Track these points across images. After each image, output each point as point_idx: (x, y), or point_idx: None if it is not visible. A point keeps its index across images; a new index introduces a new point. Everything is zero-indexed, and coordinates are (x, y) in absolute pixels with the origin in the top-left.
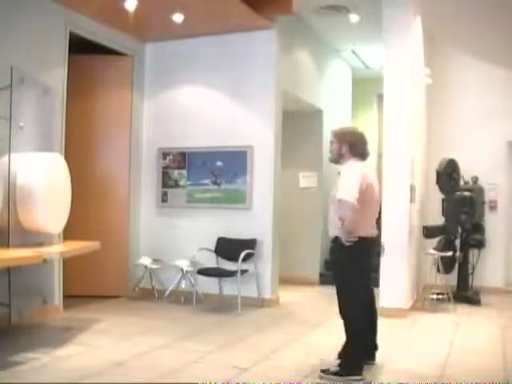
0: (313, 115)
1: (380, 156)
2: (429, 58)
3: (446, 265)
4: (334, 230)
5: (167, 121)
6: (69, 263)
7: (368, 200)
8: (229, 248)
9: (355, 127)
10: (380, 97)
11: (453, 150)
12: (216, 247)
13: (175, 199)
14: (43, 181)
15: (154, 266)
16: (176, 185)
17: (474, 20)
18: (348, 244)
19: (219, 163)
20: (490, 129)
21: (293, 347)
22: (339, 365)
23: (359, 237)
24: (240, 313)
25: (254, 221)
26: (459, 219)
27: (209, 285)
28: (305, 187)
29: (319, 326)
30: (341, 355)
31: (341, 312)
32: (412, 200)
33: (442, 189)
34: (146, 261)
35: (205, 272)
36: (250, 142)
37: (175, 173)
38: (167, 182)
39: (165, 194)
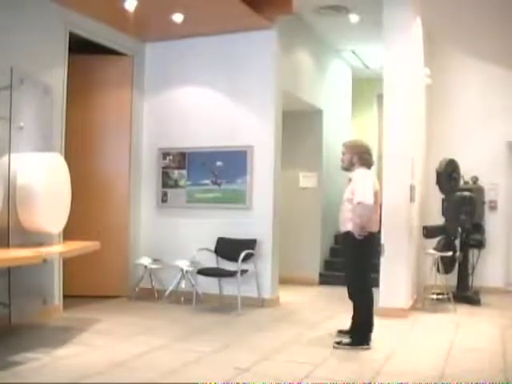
0: (313, 115)
1: (380, 156)
2: (429, 58)
3: (446, 265)
4: (347, 226)
5: (167, 121)
6: (69, 263)
7: (375, 202)
8: (229, 248)
9: (362, 140)
10: (380, 97)
11: (453, 150)
12: (216, 247)
13: (175, 199)
14: (43, 181)
15: (154, 266)
16: (176, 185)
17: (473, 20)
18: (360, 237)
19: (219, 163)
20: (490, 129)
21: (293, 347)
22: (351, 337)
23: (369, 232)
24: (240, 313)
25: (254, 221)
26: (459, 219)
27: (209, 285)
28: (305, 187)
29: (319, 325)
30: (343, 331)
31: (352, 295)
32: (412, 200)
33: (442, 189)
34: (145, 261)
35: (205, 272)
36: (250, 142)
37: (175, 173)
38: (167, 182)
39: (165, 194)
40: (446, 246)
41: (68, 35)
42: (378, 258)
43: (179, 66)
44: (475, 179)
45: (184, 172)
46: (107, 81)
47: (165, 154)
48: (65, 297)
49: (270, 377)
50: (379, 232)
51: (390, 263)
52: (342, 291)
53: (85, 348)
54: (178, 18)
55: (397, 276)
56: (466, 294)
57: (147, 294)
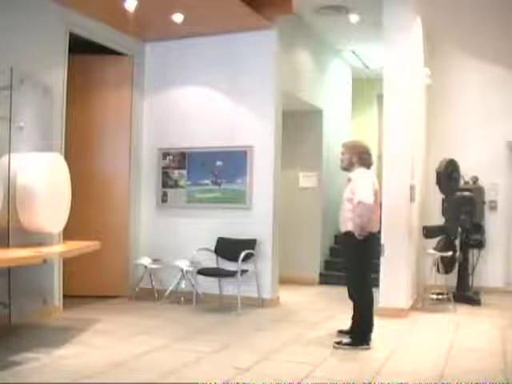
0: (313, 115)
1: (380, 156)
2: (429, 58)
3: (446, 265)
4: (347, 226)
5: (167, 121)
6: (69, 263)
7: (375, 202)
8: (229, 248)
9: (361, 140)
10: (380, 97)
11: (453, 150)
12: (216, 247)
13: (175, 199)
14: (43, 181)
15: (154, 266)
16: (176, 185)
17: (473, 20)
18: (360, 238)
19: (219, 163)
20: (490, 129)
21: (293, 347)
22: (351, 337)
23: (369, 232)
24: (240, 313)
25: (254, 221)
26: (459, 219)
27: (209, 285)
28: (305, 187)
29: (319, 325)
30: (343, 331)
31: (353, 295)
32: (412, 200)
33: (441, 189)
34: (145, 261)
35: (205, 272)
36: (250, 142)
37: (175, 173)
38: (167, 182)
39: (165, 194)
40: (446, 245)
41: (68, 35)
42: (378, 258)
43: (179, 65)
44: (475, 179)
45: (184, 172)
46: (107, 81)
47: (165, 154)
48: (65, 297)
49: (270, 377)
50: (379, 232)
51: (390, 263)
52: (342, 291)
53: (85, 348)
54: (177, 18)
55: (397, 276)
56: (466, 294)
57: (147, 294)
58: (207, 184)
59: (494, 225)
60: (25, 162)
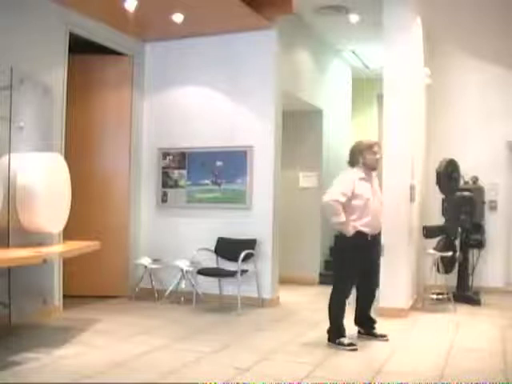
0: (313, 115)
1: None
2: (429, 58)
3: (446, 265)
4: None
5: (167, 121)
6: (69, 263)
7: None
8: (229, 248)
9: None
10: (380, 97)
11: (453, 150)
12: (216, 247)
13: (175, 199)
14: (43, 181)
15: (154, 266)
16: (176, 185)
17: (473, 20)
18: (348, 235)
19: (219, 163)
20: (490, 129)
21: (292, 347)
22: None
23: (357, 231)
24: (240, 313)
25: (254, 221)
26: (459, 219)
27: (209, 285)
28: (305, 187)
29: (319, 325)
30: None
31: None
32: (412, 200)
33: (441, 189)
34: (145, 261)
35: (205, 272)
36: (250, 142)
37: (175, 173)
38: (167, 182)
39: (165, 194)
40: (446, 245)
41: (68, 35)
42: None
43: (179, 65)
44: (475, 179)
45: (184, 172)
46: (107, 81)
47: (165, 154)
48: (65, 297)
49: (270, 377)
50: (377, 234)
51: (390, 263)
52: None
53: (85, 348)
54: (178, 18)
55: (397, 276)
56: (466, 294)
57: (147, 294)
58: (207, 184)
59: (494, 225)
60: (25, 162)
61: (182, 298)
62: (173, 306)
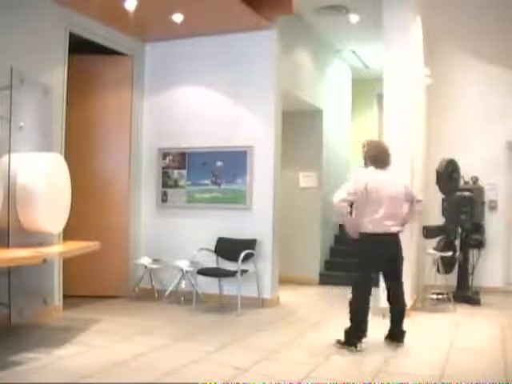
0: (313, 115)
1: None
2: (429, 58)
3: (446, 265)
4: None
5: (167, 121)
6: (69, 263)
7: (371, 199)
8: (229, 248)
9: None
10: (380, 97)
11: (453, 150)
12: (216, 247)
13: (175, 199)
14: (43, 181)
15: (154, 266)
16: (176, 185)
17: (473, 20)
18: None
19: (219, 163)
20: (490, 129)
21: (292, 347)
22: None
23: (363, 232)
24: (240, 313)
25: (254, 221)
26: (459, 219)
27: (209, 285)
28: (305, 187)
29: (319, 325)
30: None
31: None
32: None
33: (441, 189)
34: (145, 261)
35: (205, 272)
36: (250, 142)
37: (175, 173)
38: (167, 182)
39: (165, 194)
40: (446, 246)
41: (68, 35)
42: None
43: (179, 66)
44: (475, 179)
45: (184, 172)
46: (107, 81)
47: (165, 154)
48: (65, 297)
49: (269, 377)
50: (388, 234)
51: None
52: (343, 291)
53: (85, 348)
54: (177, 18)
55: None
56: (465, 294)
57: (147, 294)
58: (207, 184)
59: (494, 225)
60: (25, 162)
61: (182, 298)
62: (173, 306)
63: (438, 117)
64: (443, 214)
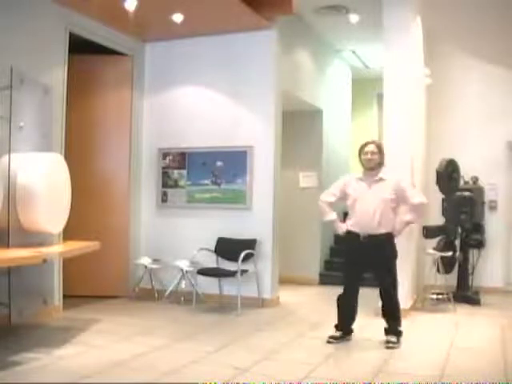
0: (313, 115)
1: None
2: (429, 58)
3: (446, 265)
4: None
5: (167, 121)
6: (69, 263)
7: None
8: (229, 248)
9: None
10: (380, 97)
11: (453, 150)
12: (216, 247)
13: (175, 199)
14: (43, 181)
15: (154, 266)
16: (176, 185)
17: (473, 20)
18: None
19: (219, 163)
20: (490, 129)
21: (292, 347)
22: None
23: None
24: (240, 313)
25: (254, 221)
26: (459, 219)
27: (209, 285)
28: (305, 187)
29: (319, 325)
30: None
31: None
32: None
33: (441, 189)
34: (145, 261)
35: (205, 272)
36: (250, 142)
37: (175, 173)
38: (167, 182)
39: (165, 194)
40: (446, 246)
41: (68, 35)
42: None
43: (179, 65)
44: (475, 179)
45: (184, 172)
46: (107, 81)
47: (165, 154)
48: (65, 297)
49: (269, 377)
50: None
51: None
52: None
53: (85, 348)
54: (177, 18)
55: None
56: (465, 294)
57: (147, 294)
58: (207, 184)
59: (493, 225)
60: (25, 162)
61: (182, 298)
62: (173, 306)
63: (437, 117)
64: (443, 214)
